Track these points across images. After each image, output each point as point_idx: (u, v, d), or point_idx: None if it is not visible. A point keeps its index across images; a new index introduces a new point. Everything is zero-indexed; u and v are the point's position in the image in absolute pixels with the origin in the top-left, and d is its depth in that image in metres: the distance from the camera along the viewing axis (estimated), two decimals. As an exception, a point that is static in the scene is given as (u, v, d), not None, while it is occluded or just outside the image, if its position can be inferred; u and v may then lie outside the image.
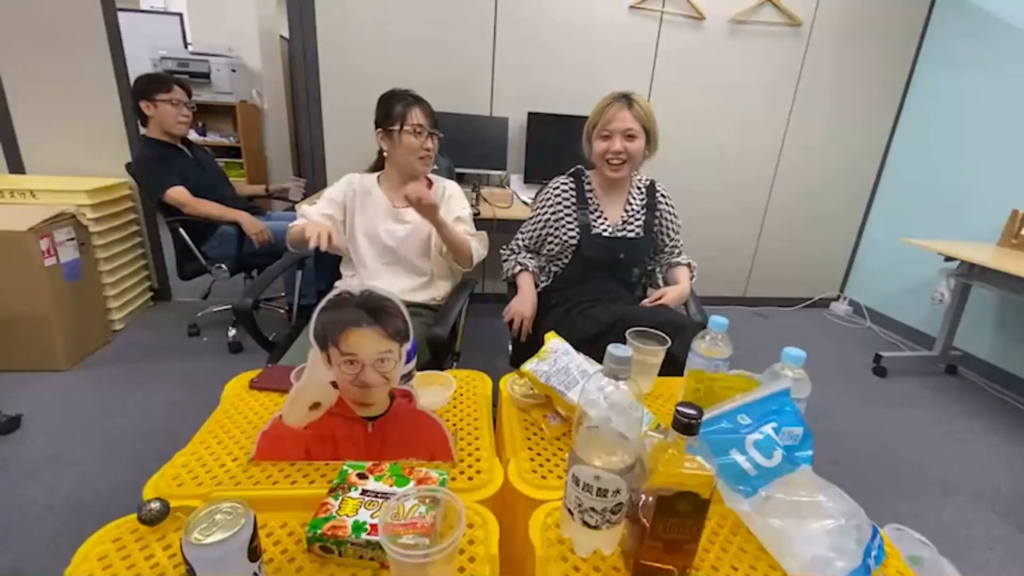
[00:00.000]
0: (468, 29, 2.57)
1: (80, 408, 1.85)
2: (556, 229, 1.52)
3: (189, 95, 2.23)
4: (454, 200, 1.55)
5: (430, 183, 1.56)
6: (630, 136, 1.38)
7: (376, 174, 1.53)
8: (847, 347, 2.88)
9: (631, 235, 1.50)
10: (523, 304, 1.45)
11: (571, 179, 1.54)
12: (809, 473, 0.68)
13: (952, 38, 2.83)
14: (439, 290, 1.53)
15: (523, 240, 1.59)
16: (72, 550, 0.61)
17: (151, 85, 2.14)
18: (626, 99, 1.39)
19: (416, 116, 1.40)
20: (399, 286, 1.47)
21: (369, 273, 1.48)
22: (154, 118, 2.16)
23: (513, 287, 1.54)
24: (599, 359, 0.91)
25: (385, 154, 1.46)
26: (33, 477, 1.50)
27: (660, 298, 1.44)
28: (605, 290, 1.50)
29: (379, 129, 1.42)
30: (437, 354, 1.27)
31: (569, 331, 1.22)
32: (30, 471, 1.52)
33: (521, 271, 1.53)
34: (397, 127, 1.38)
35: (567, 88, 2.71)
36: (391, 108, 1.40)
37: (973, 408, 2.29)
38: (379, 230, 1.46)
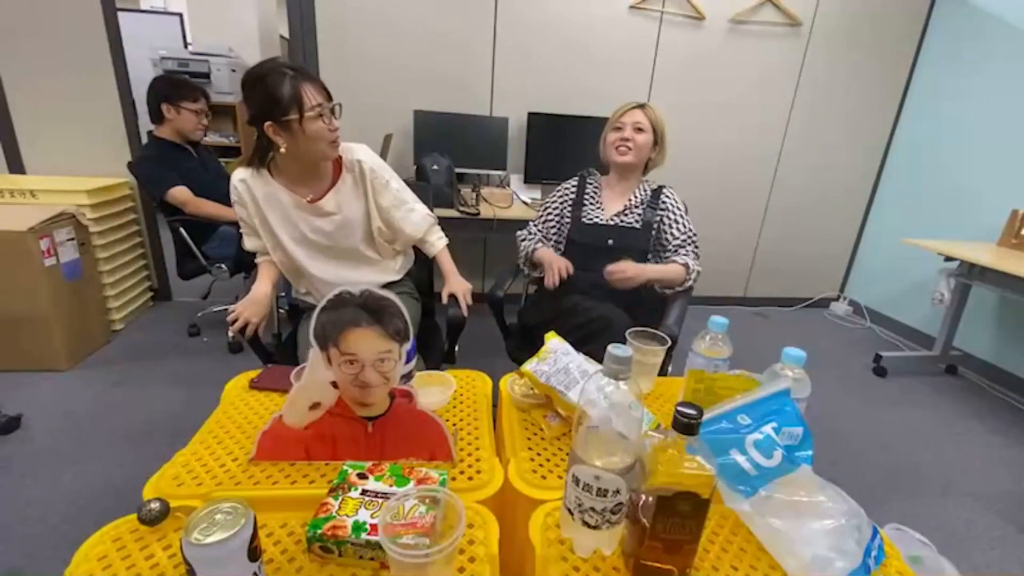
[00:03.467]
0: (468, 29, 2.57)
1: (80, 408, 1.85)
2: (559, 220, 1.65)
3: (209, 103, 2.26)
4: (373, 175, 1.31)
5: (338, 162, 1.29)
6: (639, 129, 1.53)
7: (263, 169, 1.24)
8: (847, 347, 2.88)
9: (624, 225, 1.58)
10: (560, 259, 1.51)
11: (576, 179, 1.68)
12: (809, 473, 0.68)
13: (952, 38, 2.82)
14: (399, 264, 1.46)
15: (536, 225, 1.70)
16: (72, 550, 0.61)
17: (178, 90, 2.16)
18: (641, 105, 1.55)
19: (311, 94, 1.12)
20: (362, 278, 1.34)
21: (319, 275, 1.32)
22: (173, 122, 2.18)
23: (533, 265, 1.64)
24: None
25: (282, 150, 1.16)
26: (33, 477, 1.50)
27: (622, 271, 1.44)
28: (591, 275, 1.51)
29: (268, 123, 1.12)
30: (453, 338, 1.37)
31: (536, 313, 1.50)
32: (30, 471, 1.52)
33: (537, 247, 1.62)
34: (296, 116, 1.11)
35: (567, 88, 2.71)
36: (276, 93, 1.09)
37: (973, 408, 2.29)
38: (303, 230, 1.28)
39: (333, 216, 1.29)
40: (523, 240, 1.69)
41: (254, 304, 1.21)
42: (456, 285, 1.37)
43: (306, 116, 1.12)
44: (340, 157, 1.28)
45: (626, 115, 1.54)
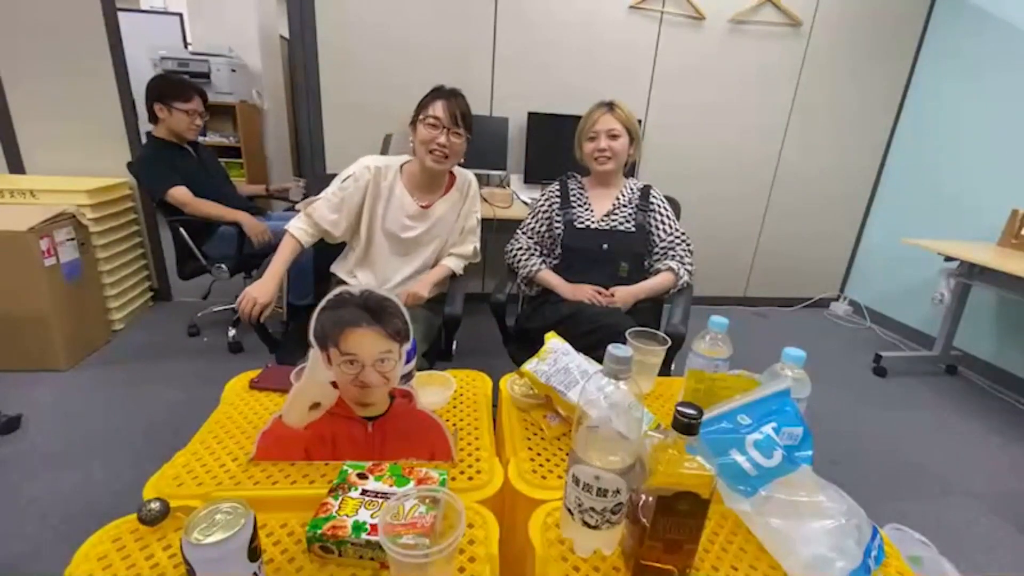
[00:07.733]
0: (468, 29, 2.57)
1: (80, 408, 1.85)
2: (549, 227, 1.63)
3: (206, 102, 2.25)
4: (470, 202, 1.56)
5: (453, 177, 1.54)
6: (613, 135, 1.53)
7: (400, 163, 1.48)
8: (847, 347, 2.88)
9: (618, 228, 1.56)
10: (580, 288, 1.50)
11: (558, 184, 1.66)
12: (809, 473, 0.68)
13: (952, 38, 2.82)
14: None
15: (526, 235, 1.67)
16: (72, 550, 0.61)
17: (171, 91, 2.15)
18: (608, 105, 1.54)
19: (437, 109, 1.37)
20: (410, 273, 1.51)
21: (383, 266, 1.49)
22: (165, 122, 2.17)
23: (532, 283, 1.62)
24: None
25: (411, 145, 1.44)
26: (33, 477, 1.50)
27: (611, 302, 1.47)
28: (589, 282, 1.52)
29: (413, 121, 1.42)
30: (449, 335, 1.42)
31: (537, 318, 1.48)
32: (30, 471, 1.52)
33: (541, 269, 1.59)
34: (421, 117, 1.38)
35: (567, 88, 2.71)
36: (423, 100, 1.40)
37: (973, 408, 2.29)
38: (398, 229, 1.47)
39: (429, 223, 1.48)
40: (517, 256, 1.64)
41: (262, 285, 1.29)
42: (416, 284, 1.45)
43: (422, 120, 1.37)
44: (455, 177, 1.53)
45: (598, 123, 1.53)
